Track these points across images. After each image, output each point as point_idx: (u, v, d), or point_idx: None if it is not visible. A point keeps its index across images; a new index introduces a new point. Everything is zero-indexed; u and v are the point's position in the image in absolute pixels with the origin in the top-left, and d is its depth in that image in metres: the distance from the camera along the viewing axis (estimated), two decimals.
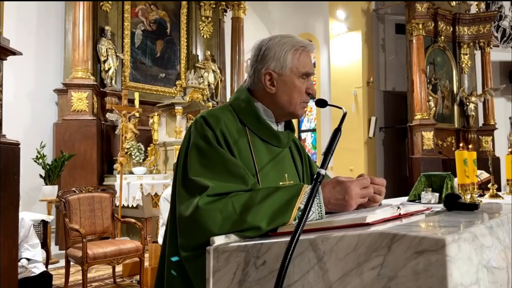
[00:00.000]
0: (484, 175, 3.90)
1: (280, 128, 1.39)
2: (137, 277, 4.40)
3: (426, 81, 9.25)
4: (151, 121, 7.43)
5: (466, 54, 10.14)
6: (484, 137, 10.08)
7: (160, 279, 1.28)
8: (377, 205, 1.21)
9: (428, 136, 9.06)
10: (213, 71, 9.02)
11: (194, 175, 1.16)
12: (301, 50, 1.30)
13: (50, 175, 5.77)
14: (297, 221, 1.03)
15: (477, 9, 10.34)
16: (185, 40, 8.85)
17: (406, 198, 2.62)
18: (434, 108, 9.53)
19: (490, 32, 10.19)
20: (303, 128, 11.72)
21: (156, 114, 7.45)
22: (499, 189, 2.98)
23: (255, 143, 1.30)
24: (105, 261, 3.98)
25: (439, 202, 2.26)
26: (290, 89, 1.30)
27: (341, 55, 10.18)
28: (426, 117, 9.12)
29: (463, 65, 10.10)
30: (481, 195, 2.69)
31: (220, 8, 9.38)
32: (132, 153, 7.05)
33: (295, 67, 1.29)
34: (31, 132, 6.52)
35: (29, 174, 5.41)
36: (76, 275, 4.60)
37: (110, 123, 7.20)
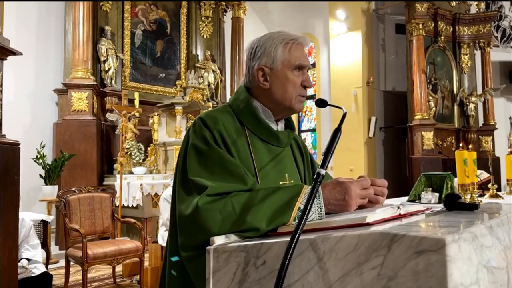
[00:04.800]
0: (484, 175, 3.89)
1: (280, 127, 1.39)
2: (137, 277, 4.41)
3: (426, 81, 9.24)
4: (151, 121, 7.43)
5: (466, 54, 10.14)
6: (484, 137, 10.07)
7: (163, 279, 1.29)
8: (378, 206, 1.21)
9: (428, 136, 9.06)
10: (213, 71, 9.02)
11: (193, 176, 1.16)
12: (292, 43, 1.30)
13: (50, 175, 5.77)
14: (297, 221, 1.03)
15: (477, 9, 10.33)
16: (185, 40, 8.86)
17: (406, 198, 2.62)
18: (434, 108, 9.52)
19: (490, 32, 10.17)
20: (303, 128, 11.72)
21: (156, 114, 7.45)
22: (499, 189, 2.98)
23: (255, 143, 1.30)
24: (105, 261, 3.98)
25: (439, 202, 2.26)
26: (283, 82, 1.30)
27: (341, 55, 10.18)
28: (426, 117, 9.11)
29: (463, 65, 10.09)
30: (481, 195, 2.69)
31: (220, 8, 9.39)
32: (132, 153, 7.06)
33: (287, 60, 1.29)
34: (31, 132, 6.52)
35: (29, 174, 5.41)
36: (76, 275, 4.60)
37: (110, 123, 7.20)
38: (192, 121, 1.31)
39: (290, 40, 1.31)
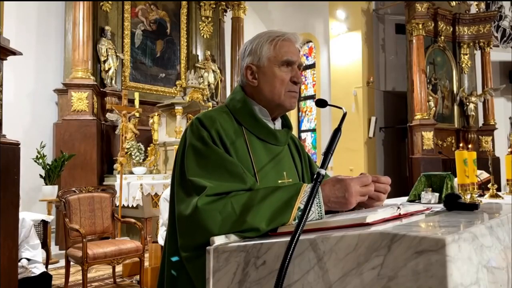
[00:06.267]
0: (484, 175, 3.89)
1: (277, 126, 1.39)
2: (137, 277, 4.41)
3: (426, 81, 9.24)
4: (151, 121, 7.43)
5: (466, 54, 10.14)
6: (484, 137, 10.07)
7: (161, 279, 1.28)
8: (380, 204, 1.21)
9: (428, 136, 9.06)
10: (213, 71, 9.02)
11: (192, 176, 1.16)
12: (278, 39, 1.30)
13: (50, 175, 5.77)
14: (297, 221, 1.03)
15: (477, 9, 10.33)
16: (185, 40, 8.85)
17: (406, 198, 2.62)
18: (434, 108, 9.52)
19: (490, 32, 10.18)
20: (303, 128, 11.71)
21: (156, 114, 7.45)
22: (499, 189, 2.98)
23: (253, 143, 1.30)
24: (105, 261, 3.98)
25: (439, 202, 2.26)
26: (271, 78, 1.30)
27: (341, 55, 10.18)
28: (426, 117, 9.11)
29: (463, 65, 10.10)
30: (481, 195, 2.69)
31: (220, 8, 9.39)
32: (132, 153, 7.05)
33: (273, 56, 1.29)
34: (31, 132, 6.52)
35: (29, 174, 5.41)
36: (76, 275, 4.60)
37: (110, 123, 7.20)
38: (189, 122, 1.30)
39: (276, 36, 1.31)
